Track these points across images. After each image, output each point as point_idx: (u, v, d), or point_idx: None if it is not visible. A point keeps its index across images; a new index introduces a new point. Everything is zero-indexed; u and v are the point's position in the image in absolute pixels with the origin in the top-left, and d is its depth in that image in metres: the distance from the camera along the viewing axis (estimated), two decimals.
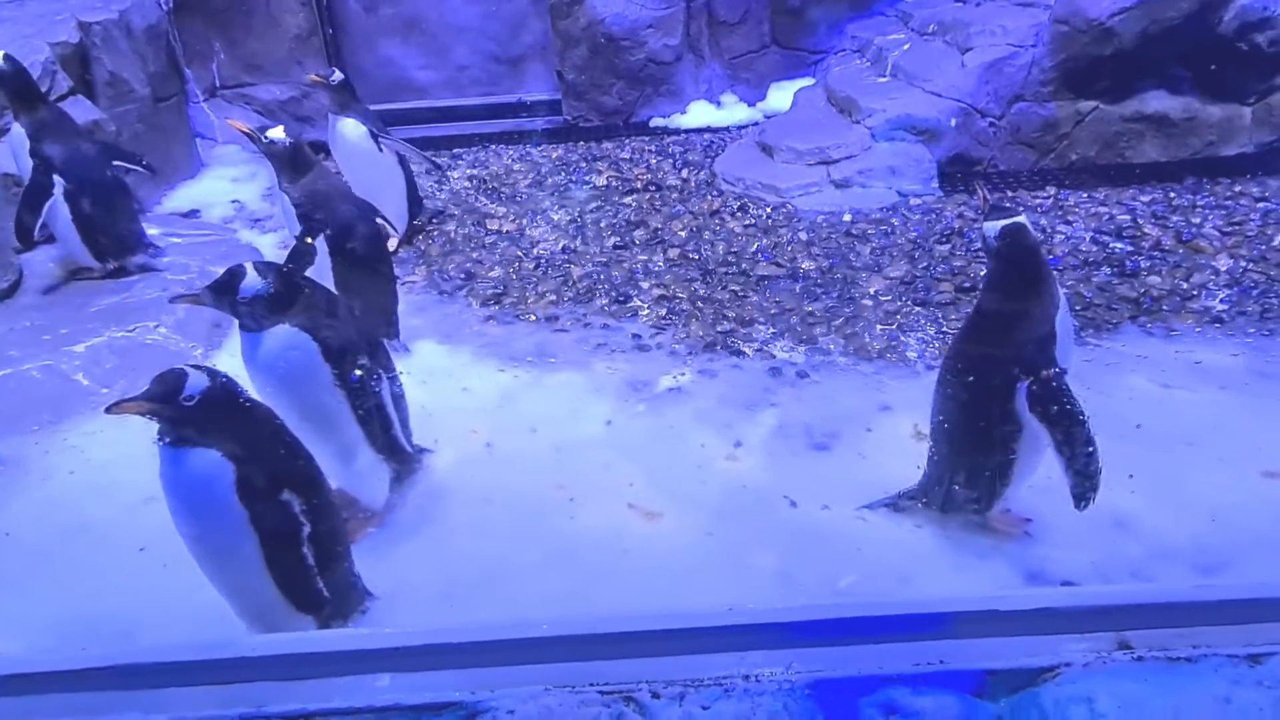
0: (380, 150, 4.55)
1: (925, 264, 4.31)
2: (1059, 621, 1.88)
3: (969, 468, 2.49)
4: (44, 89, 4.35)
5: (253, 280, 2.36)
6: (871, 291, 4.10)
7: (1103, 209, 4.79)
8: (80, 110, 4.68)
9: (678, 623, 1.93)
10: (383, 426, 2.67)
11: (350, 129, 4.51)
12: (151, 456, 2.76)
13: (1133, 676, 1.78)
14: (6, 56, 3.89)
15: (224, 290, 2.36)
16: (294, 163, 3.37)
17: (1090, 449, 2.25)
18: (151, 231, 4.63)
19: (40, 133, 3.93)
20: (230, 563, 2.12)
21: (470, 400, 3.42)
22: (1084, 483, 2.25)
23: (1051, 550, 2.51)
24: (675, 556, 2.59)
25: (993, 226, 2.42)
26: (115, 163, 4.28)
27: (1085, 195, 4.95)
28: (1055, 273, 2.61)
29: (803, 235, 4.69)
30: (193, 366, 2.04)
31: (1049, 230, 4.59)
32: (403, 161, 4.78)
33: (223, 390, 2.02)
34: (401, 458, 2.82)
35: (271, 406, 2.42)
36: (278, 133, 3.29)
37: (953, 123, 5.19)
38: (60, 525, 2.83)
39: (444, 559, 2.63)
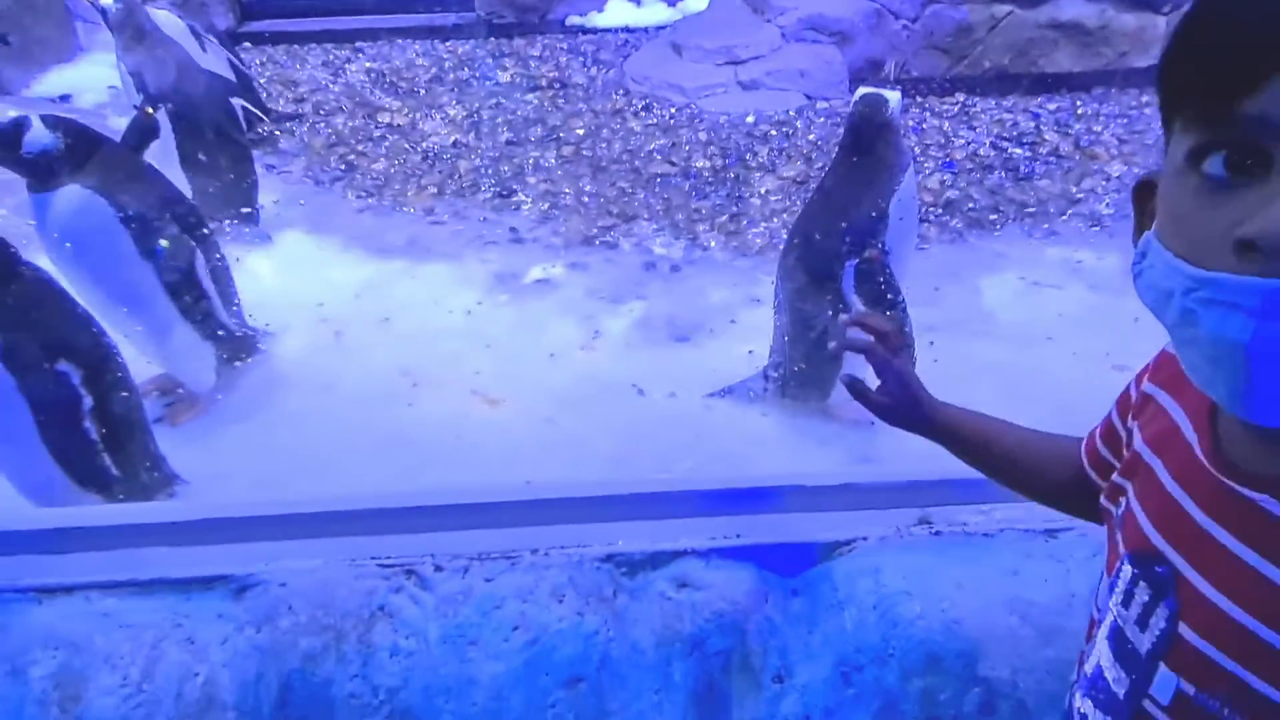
0: (203, 51, 4.13)
1: (821, 164, 4.18)
2: (860, 498, 1.83)
3: (805, 350, 2.42)
4: None
5: (39, 134, 2.16)
6: (762, 191, 3.99)
7: (1008, 116, 4.70)
8: None
9: (467, 498, 1.84)
10: (198, 301, 2.50)
11: (165, 19, 4.06)
12: None
13: (925, 549, 1.74)
14: None
15: (6, 144, 2.15)
16: (132, 29, 3.11)
17: (905, 328, 2.18)
18: (12, 114, 4.31)
19: None
20: (3, 439, 1.97)
21: (328, 290, 3.26)
22: None
23: (892, 438, 2.46)
24: (512, 442, 2.50)
25: (859, 92, 2.31)
26: None
27: (993, 103, 4.86)
28: (917, 162, 2.51)
29: (702, 135, 4.54)
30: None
31: (950, 135, 4.50)
32: (235, 64, 4.37)
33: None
34: (229, 340, 2.66)
35: (72, 277, 2.25)
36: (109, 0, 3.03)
37: (865, 24, 5.03)
38: None
39: (269, 446, 2.50)
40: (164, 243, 2.33)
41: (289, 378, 2.79)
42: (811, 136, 4.48)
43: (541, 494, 1.89)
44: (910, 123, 4.61)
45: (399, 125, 4.80)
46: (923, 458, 2.42)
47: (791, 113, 4.71)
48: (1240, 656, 0.67)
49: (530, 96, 5.12)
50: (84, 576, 1.74)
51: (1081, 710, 0.87)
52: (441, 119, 4.87)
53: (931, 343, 2.56)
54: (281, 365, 2.84)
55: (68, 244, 2.21)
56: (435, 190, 4.08)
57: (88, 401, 1.98)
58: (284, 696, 1.60)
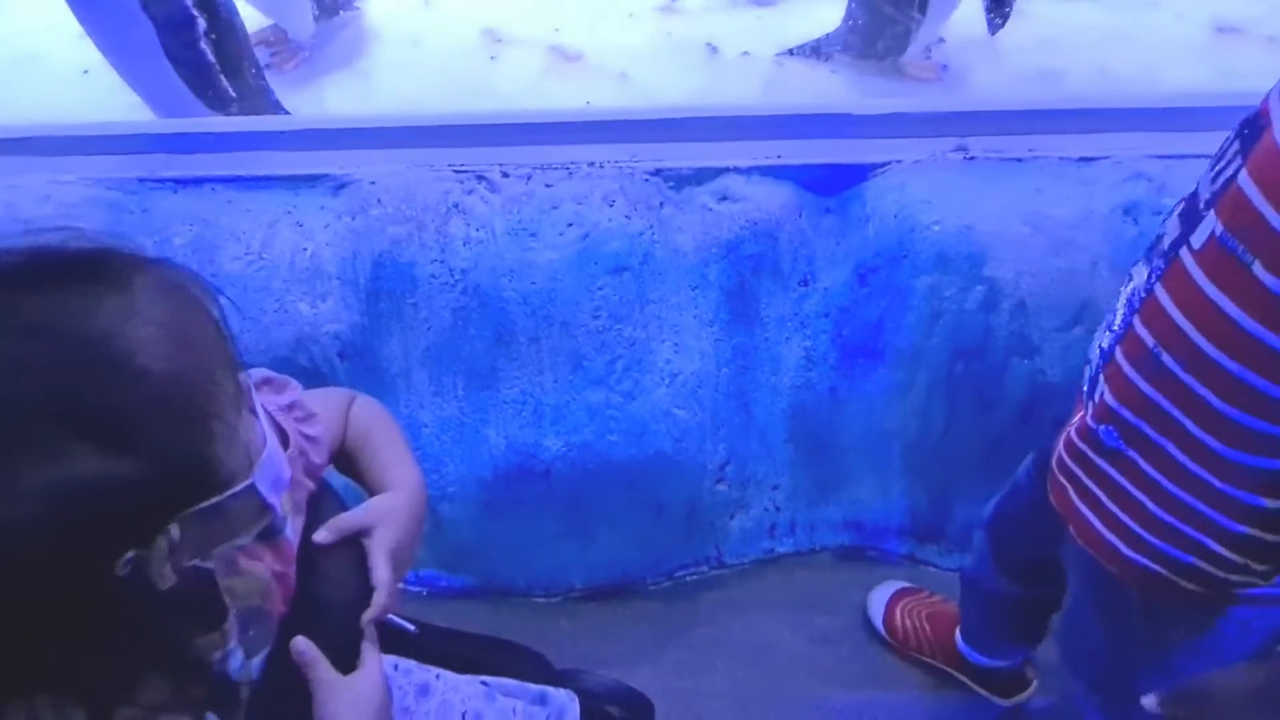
0: None
1: None
2: (902, 126, 1.91)
3: (880, 7, 2.38)
4: None
5: None
6: None
7: None
8: None
9: (534, 118, 2.01)
10: None
11: None
12: None
13: (955, 170, 1.84)
14: None
15: None
16: None
17: None
18: None
19: None
20: (133, 57, 2.22)
21: None
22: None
23: (962, 95, 2.47)
24: (586, 93, 2.61)
25: None
26: None
27: None
28: None
29: None
30: None
31: None
32: None
33: None
34: None
35: None
36: None
37: None
38: (10, 55, 2.95)
39: (362, 92, 2.70)
40: None
41: (380, 32, 2.93)
42: None
43: (599, 115, 2.04)
44: None
45: None
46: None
47: None
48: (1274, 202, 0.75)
49: None
50: (210, 172, 2.03)
51: (1122, 291, 0.99)
52: None
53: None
54: (374, 22, 2.97)
55: None
56: None
57: (201, 23, 2.18)
58: (376, 271, 1.90)
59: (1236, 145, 0.84)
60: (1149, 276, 0.92)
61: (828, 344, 1.87)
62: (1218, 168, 0.86)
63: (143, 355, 0.59)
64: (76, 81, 2.78)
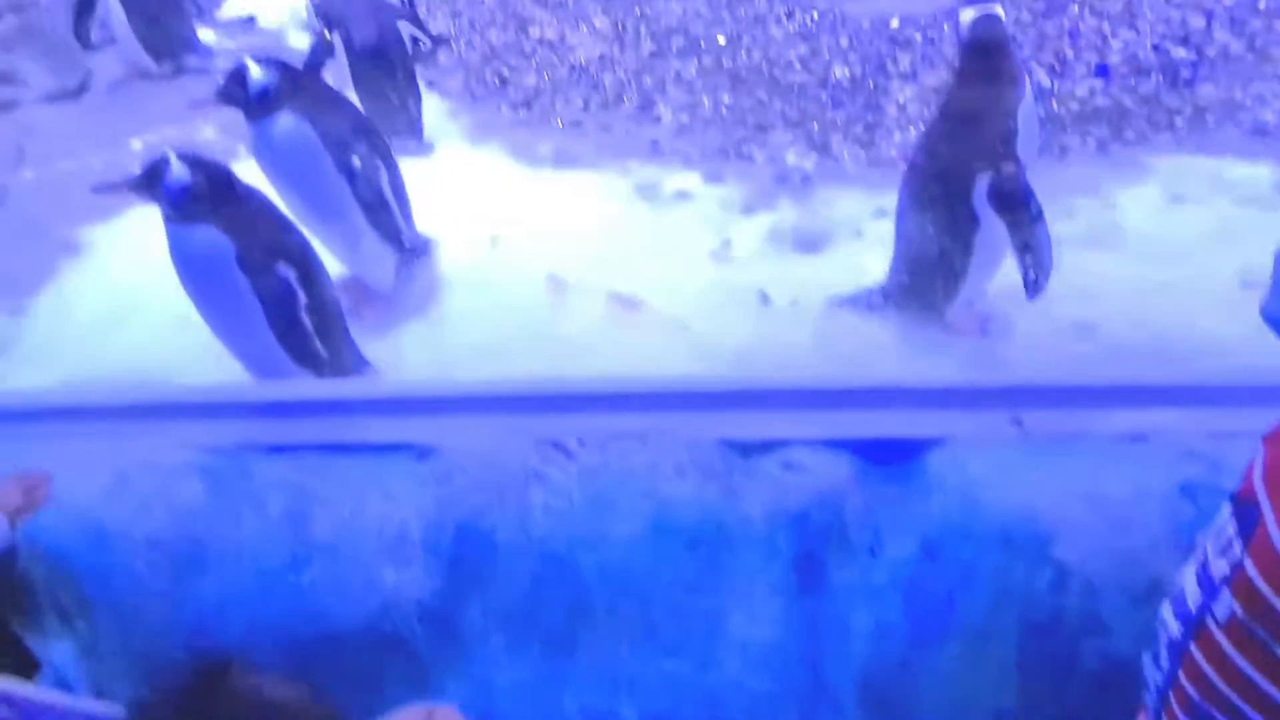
0: None
1: None
2: (956, 399, 2.01)
3: (928, 262, 2.55)
4: None
5: (256, 74, 2.53)
6: (900, 100, 4.00)
7: (1176, 13, 4.43)
8: None
9: (607, 386, 2.15)
10: (383, 212, 2.88)
11: None
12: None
13: (1012, 446, 1.92)
14: None
15: (234, 85, 2.54)
16: None
17: (1044, 239, 2.28)
18: (209, 35, 4.83)
19: None
20: (238, 327, 2.42)
21: (485, 198, 3.59)
22: (1035, 269, 2.31)
23: (1005, 348, 2.59)
24: (645, 343, 2.77)
25: (964, 15, 2.37)
26: None
27: None
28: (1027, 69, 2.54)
29: (843, 41, 4.53)
30: (180, 152, 2.26)
31: (1109, 35, 4.31)
32: None
33: (206, 176, 2.24)
34: (404, 245, 3.04)
35: (281, 193, 2.66)
36: None
37: None
38: (117, 302, 3.20)
39: (438, 339, 2.89)
40: (356, 160, 2.70)
41: (452, 279, 3.16)
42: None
43: (669, 386, 2.17)
44: (1067, 24, 4.44)
45: (548, 39, 5.01)
46: (1023, 366, 2.56)
47: (939, 15, 4.62)
48: None
49: (673, 5, 5.21)
50: (303, 438, 2.17)
51: (1164, 618, 1.09)
52: (588, 31, 5.04)
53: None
54: (446, 267, 3.21)
55: (280, 163, 2.61)
56: (582, 103, 4.31)
57: (301, 296, 2.38)
58: (458, 538, 1.99)
59: (1234, 525, 0.93)
60: (1183, 633, 0.99)
61: (898, 615, 1.90)
62: (1221, 541, 0.94)
63: None
64: (173, 331, 2.99)
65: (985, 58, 2.31)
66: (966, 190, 2.34)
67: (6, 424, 2.34)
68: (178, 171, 2.24)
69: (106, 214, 3.58)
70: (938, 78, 4.14)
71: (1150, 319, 2.61)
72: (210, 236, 2.28)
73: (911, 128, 3.78)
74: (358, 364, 2.68)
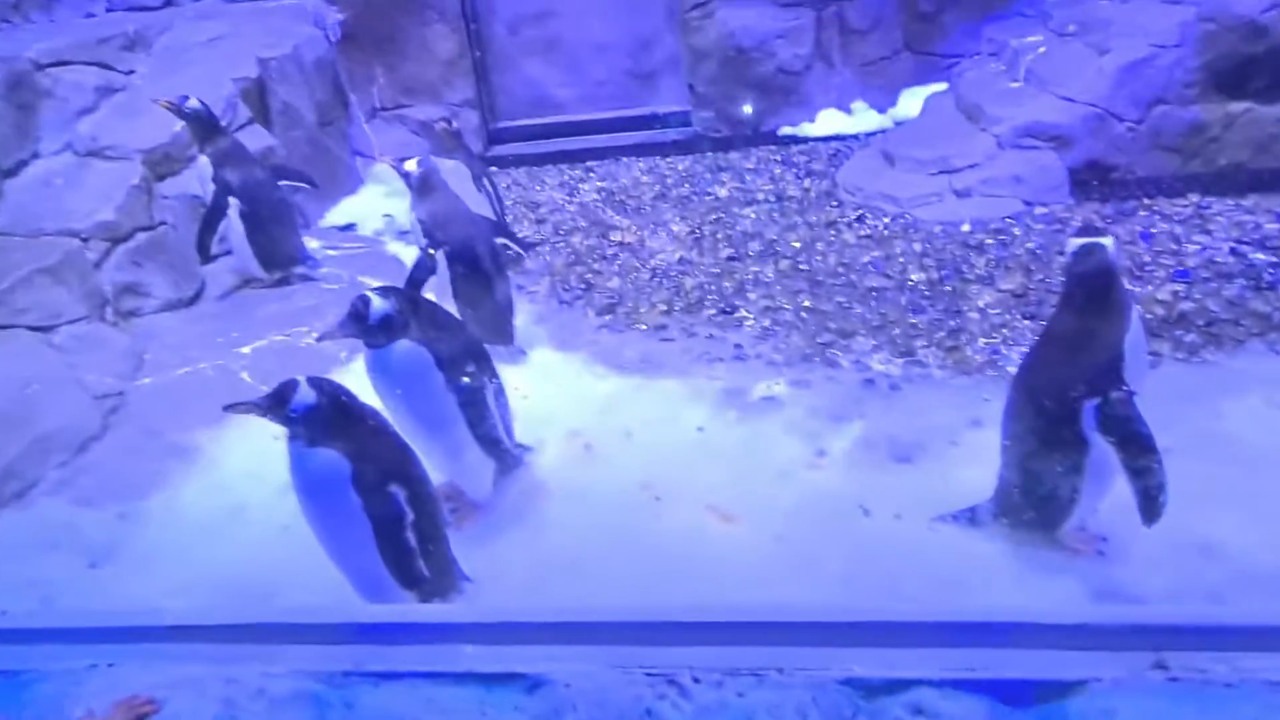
0: (478, 191, 4.77)
1: (1041, 276, 4.23)
2: (1094, 638, 1.92)
3: (1038, 484, 2.51)
4: (226, 121, 4.97)
5: (378, 306, 2.70)
6: (980, 304, 4.08)
7: (1248, 218, 4.52)
8: (256, 137, 5.29)
9: (721, 615, 2.10)
10: (487, 426, 2.97)
11: (453, 167, 4.64)
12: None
13: (1162, 695, 1.81)
14: (198, 100, 4.51)
15: (356, 320, 2.71)
16: (424, 189, 3.75)
17: (1157, 467, 2.24)
18: (313, 244, 5.19)
19: (220, 161, 4.51)
20: (347, 545, 2.46)
21: (576, 404, 3.68)
22: (1150, 501, 2.25)
23: (1125, 571, 2.49)
24: (744, 557, 2.73)
25: (1072, 244, 2.44)
26: (283, 183, 4.84)
27: (1231, 203, 4.68)
28: (1134, 291, 2.58)
29: (917, 246, 4.69)
30: (309, 378, 2.38)
31: (1183, 240, 4.39)
32: (497, 203, 4.99)
33: (330, 400, 2.35)
34: (504, 455, 3.11)
35: (390, 410, 2.76)
36: (412, 165, 3.70)
37: (1086, 128, 5.02)
38: (223, 506, 3.29)
39: (535, 550, 2.89)
40: (465, 379, 2.82)
41: (548, 487, 3.19)
42: (1030, 245, 4.52)
43: (786, 616, 2.11)
44: (1138, 228, 4.54)
45: (629, 243, 5.29)
46: (1158, 597, 2.45)
47: (1009, 220, 4.77)
48: None
49: (748, 210, 5.48)
50: (410, 666, 2.14)
51: None
52: (667, 236, 5.31)
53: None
54: (541, 475, 3.25)
55: (396, 386, 2.74)
56: (664, 307, 4.48)
57: (410, 516, 2.42)
58: None
59: None
60: None
61: None
62: None
63: None
64: (277, 537, 3.06)
65: (1094, 287, 2.36)
66: (1075, 415, 2.33)
67: (114, 643, 2.36)
68: (305, 395, 2.35)
69: (215, 421, 3.74)
70: (1015, 281, 4.23)
71: (1270, 529, 2.50)
72: (330, 459, 2.36)
73: (995, 333, 3.83)
74: (458, 579, 2.68)
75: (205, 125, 4.54)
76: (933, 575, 2.57)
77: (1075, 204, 4.87)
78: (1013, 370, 3.56)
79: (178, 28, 6.04)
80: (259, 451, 3.51)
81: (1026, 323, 3.87)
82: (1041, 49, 5.63)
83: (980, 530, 2.70)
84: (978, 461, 3.02)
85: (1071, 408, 2.34)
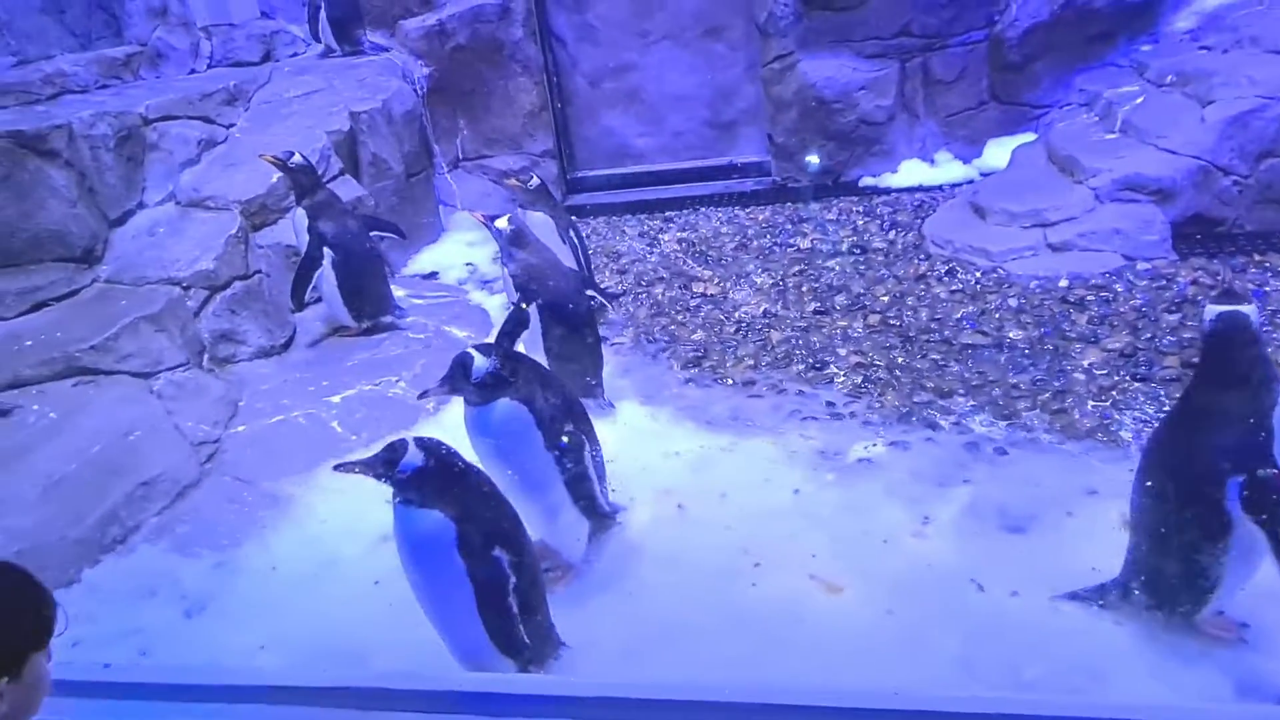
0: (563, 243, 4.79)
1: (1150, 335, 4.05)
2: None
3: (1174, 565, 2.35)
4: (320, 172, 5.09)
5: (479, 364, 2.68)
6: (1085, 364, 3.91)
7: None
8: (347, 188, 5.42)
9: (841, 700, 1.99)
10: (585, 486, 2.92)
11: (539, 219, 4.71)
12: (387, 501, 3.17)
13: None
14: (301, 155, 4.64)
15: (459, 377, 2.70)
16: (517, 243, 3.76)
17: None
18: (398, 293, 5.26)
19: (316, 213, 4.61)
20: (449, 609, 2.42)
21: (666, 462, 3.61)
22: None
23: (1270, 663, 2.31)
24: (853, 631, 2.61)
25: (1211, 310, 2.31)
26: (373, 233, 4.93)
27: None
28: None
29: (1013, 302, 4.55)
30: (416, 439, 2.36)
31: None
32: (582, 254, 4.99)
33: (438, 462, 2.33)
34: (599, 515, 3.05)
35: (488, 468, 2.73)
36: (503, 222, 3.72)
37: (1189, 181, 4.85)
38: (315, 558, 3.29)
39: (631, 615, 2.81)
40: (565, 438, 2.78)
41: (642, 549, 3.12)
42: (1135, 302, 4.34)
43: (912, 704, 1.99)
44: (1250, 285, 4.34)
45: (712, 295, 5.24)
46: None
47: (1110, 275, 4.60)
48: None
49: (832, 262, 5.40)
50: None
51: None
52: (750, 288, 5.25)
53: None
54: (634, 536, 3.18)
55: (496, 445, 2.71)
56: (751, 362, 4.40)
57: (512, 581, 2.37)
58: None
59: None
60: None
61: None
62: None
63: None
64: (369, 592, 3.04)
65: (1239, 357, 2.22)
66: (1218, 493, 2.18)
67: (217, 701, 2.34)
68: (413, 457, 2.33)
69: (307, 469, 3.78)
70: (1122, 340, 4.05)
71: None
72: (435, 521, 2.33)
73: (1104, 396, 3.66)
74: (556, 644, 2.61)
75: (306, 179, 4.65)
76: (1058, 660, 2.42)
77: (1179, 260, 4.68)
78: (1126, 436, 3.41)
79: (275, 82, 6.26)
80: (351, 504, 3.51)
81: (1138, 385, 3.69)
82: (1139, 99, 5.48)
83: (1107, 611, 2.54)
84: (1097, 534, 2.87)
85: (1214, 485, 2.19)
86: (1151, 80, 5.64)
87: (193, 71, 6.34)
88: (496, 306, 5.38)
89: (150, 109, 5.13)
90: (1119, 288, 4.50)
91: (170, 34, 6.29)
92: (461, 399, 2.81)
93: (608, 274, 5.71)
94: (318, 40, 6.79)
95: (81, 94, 5.44)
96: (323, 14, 6.59)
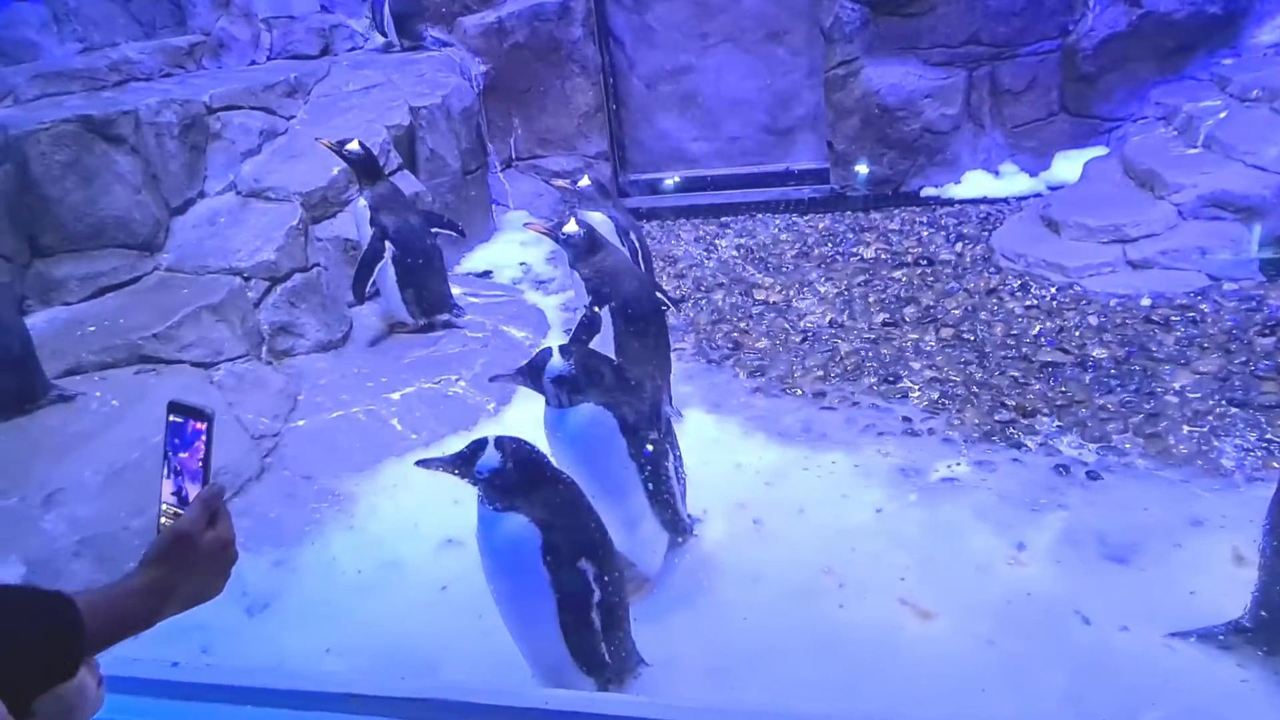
0: (622, 244, 4.63)
1: (1243, 359, 3.87)
2: None
3: None
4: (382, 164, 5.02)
5: (557, 364, 2.58)
6: (1176, 387, 3.74)
7: None
8: (405, 183, 5.34)
9: None
10: (667, 497, 2.80)
11: (599, 220, 4.44)
12: (452, 501, 3.07)
13: None
14: (360, 143, 4.56)
15: (534, 373, 2.60)
16: (588, 248, 3.65)
17: None
18: (455, 290, 5.17)
19: (379, 205, 4.53)
20: (530, 619, 2.31)
21: (739, 474, 3.49)
22: None
23: None
24: (951, 662, 2.47)
25: None
26: (433, 229, 4.85)
27: None
28: None
29: (1093, 319, 4.38)
30: (497, 438, 2.25)
31: None
32: (643, 257, 4.85)
33: (519, 464, 2.22)
34: (678, 527, 2.93)
35: (569, 473, 2.62)
36: (571, 227, 3.61)
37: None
38: (378, 559, 3.19)
39: (713, 633, 2.69)
40: (649, 446, 2.67)
41: (719, 564, 2.99)
42: (1224, 324, 4.16)
43: None
44: None
45: (774, 303, 5.11)
46: None
47: (1195, 295, 4.42)
48: None
49: (898, 273, 5.25)
50: None
51: None
52: (814, 297, 5.12)
53: None
54: (710, 550, 3.05)
55: (578, 450, 2.60)
56: (821, 373, 4.27)
57: (597, 594, 2.26)
58: None
59: None
60: None
61: None
62: None
63: None
64: (435, 599, 2.94)
65: None
66: None
67: (288, 707, 2.25)
68: (490, 457, 2.23)
69: (368, 466, 3.70)
70: (1214, 364, 3.88)
71: None
72: (518, 526, 2.23)
73: (1200, 421, 3.49)
74: (633, 664, 2.49)
75: (367, 168, 4.57)
76: (1176, 703, 2.26)
77: (1268, 280, 4.48)
78: (1229, 464, 3.25)
79: (334, 76, 6.22)
80: (414, 504, 3.43)
81: (1235, 410, 3.52)
82: (1222, 114, 5.29)
83: (1229, 654, 2.38)
84: (1207, 569, 2.71)
85: None
86: (1234, 94, 5.44)
87: (253, 63, 6.31)
88: (553, 307, 5.29)
89: (214, 98, 5.10)
90: (1205, 308, 4.32)
91: (233, 24, 6.27)
92: (525, 399, 2.69)
93: (666, 279, 5.59)
94: (382, 34, 6.75)
95: (146, 81, 5.42)
96: (386, 7, 6.55)
